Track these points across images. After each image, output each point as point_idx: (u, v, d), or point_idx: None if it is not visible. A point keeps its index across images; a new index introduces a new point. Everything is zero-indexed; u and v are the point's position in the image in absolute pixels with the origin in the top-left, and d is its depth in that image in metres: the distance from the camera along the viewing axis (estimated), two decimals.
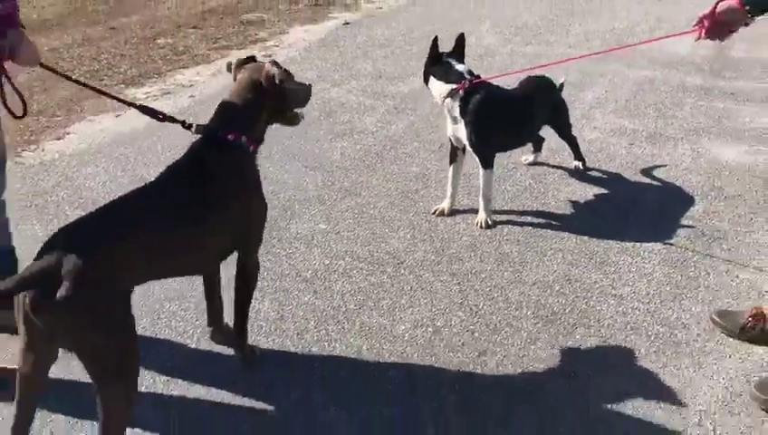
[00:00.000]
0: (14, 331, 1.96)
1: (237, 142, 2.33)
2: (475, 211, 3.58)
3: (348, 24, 7.39)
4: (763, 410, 2.37)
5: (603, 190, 3.91)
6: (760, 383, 2.42)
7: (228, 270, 2.57)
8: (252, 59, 2.53)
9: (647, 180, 4.01)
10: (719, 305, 2.89)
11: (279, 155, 4.22)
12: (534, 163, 4.17)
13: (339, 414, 2.38)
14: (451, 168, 3.66)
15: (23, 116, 2.41)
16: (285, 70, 2.43)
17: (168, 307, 2.90)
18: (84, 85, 2.73)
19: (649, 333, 2.76)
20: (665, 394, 2.46)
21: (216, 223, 2.25)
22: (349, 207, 3.73)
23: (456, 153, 3.64)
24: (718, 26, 2.47)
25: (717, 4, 2.43)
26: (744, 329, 2.69)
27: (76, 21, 7.58)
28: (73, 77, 2.91)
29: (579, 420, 2.37)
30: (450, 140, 3.62)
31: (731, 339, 2.70)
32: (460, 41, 3.56)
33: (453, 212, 3.65)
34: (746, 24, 2.44)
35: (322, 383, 2.52)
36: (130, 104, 2.55)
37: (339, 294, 3.01)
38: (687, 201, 3.75)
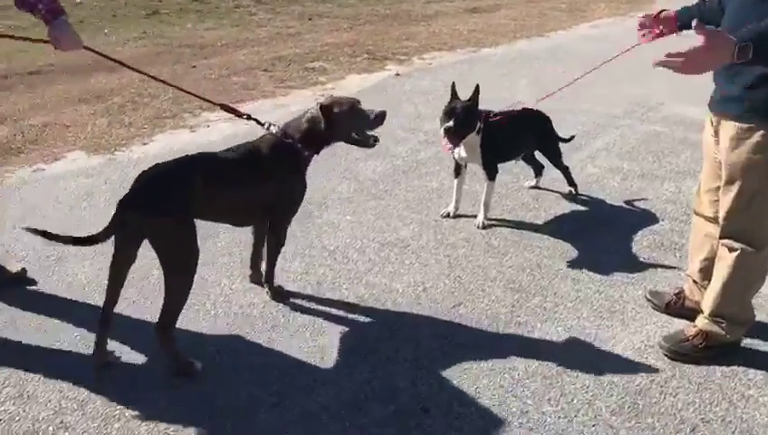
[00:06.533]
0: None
1: (293, 145, 3.16)
2: (475, 216, 4.35)
3: (399, 75, 8.34)
4: (664, 355, 3.05)
5: (584, 208, 4.63)
6: (664, 337, 3.11)
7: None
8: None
9: (628, 207, 4.70)
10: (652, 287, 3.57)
11: (323, 167, 5.07)
12: (535, 187, 4.91)
13: (344, 337, 3.16)
14: (456, 180, 4.45)
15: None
16: (348, 102, 3.22)
17: (219, 260, 3.75)
18: (163, 82, 3.67)
19: (594, 305, 3.46)
20: (598, 340, 3.15)
21: (262, 189, 3.09)
22: (372, 207, 4.54)
23: (459, 169, 4.43)
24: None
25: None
26: (668, 305, 3.36)
27: (165, 60, 8.78)
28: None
29: (526, 350, 3.07)
30: (455, 159, 4.41)
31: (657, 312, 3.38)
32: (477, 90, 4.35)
33: (457, 216, 4.42)
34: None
35: (331, 314, 3.31)
36: (215, 103, 3.39)
37: (352, 261, 3.81)
38: (654, 220, 4.44)
